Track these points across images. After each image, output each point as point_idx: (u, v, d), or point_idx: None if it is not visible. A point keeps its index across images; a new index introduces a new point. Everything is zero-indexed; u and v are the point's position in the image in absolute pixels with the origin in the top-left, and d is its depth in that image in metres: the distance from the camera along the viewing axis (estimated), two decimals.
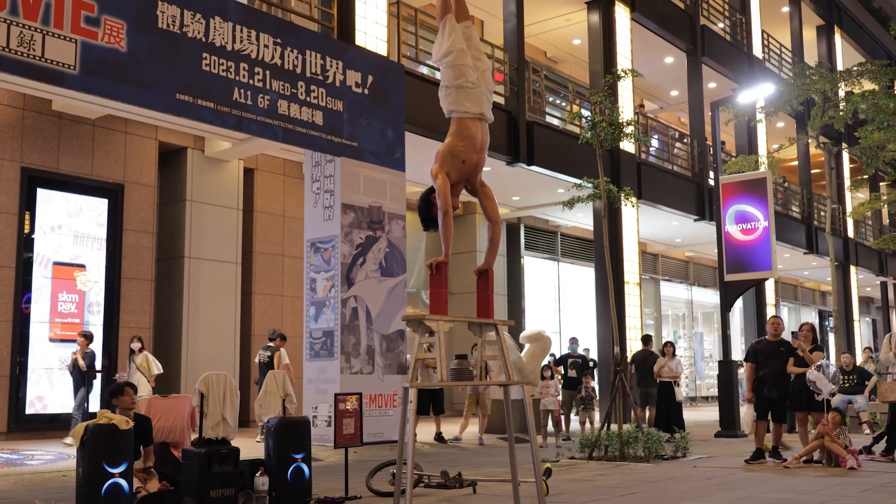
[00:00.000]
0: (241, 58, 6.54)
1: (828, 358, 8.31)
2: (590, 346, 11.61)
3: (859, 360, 14.22)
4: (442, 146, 3.40)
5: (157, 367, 7.62)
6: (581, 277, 15.06)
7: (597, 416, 9.02)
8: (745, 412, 8.40)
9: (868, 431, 8.27)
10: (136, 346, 7.62)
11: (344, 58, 7.39)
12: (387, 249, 7.52)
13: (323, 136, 7.21)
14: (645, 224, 13.20)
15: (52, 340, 8.03)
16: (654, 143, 13.42)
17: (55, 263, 8.18)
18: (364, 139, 7.53)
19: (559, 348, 12.33)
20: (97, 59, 5.52)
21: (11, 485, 4.96)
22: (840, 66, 18.01)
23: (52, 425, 7.91)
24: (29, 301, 7.87)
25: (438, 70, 3.59)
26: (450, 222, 3.29)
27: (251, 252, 10.10)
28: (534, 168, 10.31)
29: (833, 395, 5.94)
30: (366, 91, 7.58)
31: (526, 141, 10.13)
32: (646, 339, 9.39)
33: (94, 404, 7.72)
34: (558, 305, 14.62)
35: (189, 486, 4.00)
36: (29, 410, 7.84)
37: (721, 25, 14.97)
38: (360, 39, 7.95)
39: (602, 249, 9.58)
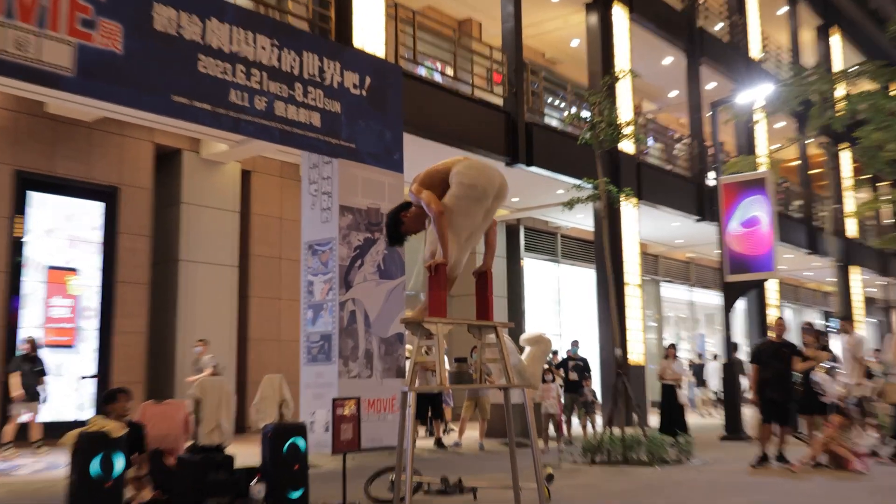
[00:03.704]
0: (238, 59, 6.50)
1: (833, 359, 8.24)
2: (591, 347, 11.56)
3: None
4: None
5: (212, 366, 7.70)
6: (581, 279, 15.00)
7: (598, 419, 8.95)
8: (749, 414, 8.34)
9: (876, 434, 8.21)
10: (199, 348, 7.73)
11: (341, 59, 7.36)
12: (385, 252, 7.47)
13: (320, 137, 7.16)
14: (645, 225, 13.14)
15: (45, 346, 7.95)
16: (650, 142, 13.38)
17: (49, 268, 8.11)
18: (362, 141, 7.48)
19: (560, 351, 12.30)
20: (94, 61, 5.48)
21: (1, 495, 4.88)
22: (839, 67, 18.02)
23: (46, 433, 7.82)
24: (18, 305, 7.79)
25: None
26: (445, 223, 3.28)
27: (248, 255, 10.05)
28: (533, 169, 10.27)
29: (843, 398, 5.87)
30: (364, 92, 7.54)
31: (525, 142, 10.10)
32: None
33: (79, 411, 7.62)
34: (559, 307, 14.57)
35: (183, 494, 3.93)
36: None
37: (719, 27, 14.96)
38: (358, 41, 7.92)
39: (602, 251, 9.53)
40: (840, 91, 12.57)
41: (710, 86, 14.71)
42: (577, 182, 8.36)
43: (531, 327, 13.19)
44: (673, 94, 15.46)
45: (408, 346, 7.74)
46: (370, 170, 7.49)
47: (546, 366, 8.90)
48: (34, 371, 6.95)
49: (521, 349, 9.57)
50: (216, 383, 4.14)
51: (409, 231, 3.52)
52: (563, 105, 11.92)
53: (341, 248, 7.15)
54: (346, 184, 7.29)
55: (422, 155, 9.56)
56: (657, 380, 9.18)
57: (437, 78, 10.06)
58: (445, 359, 9.03)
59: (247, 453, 5.00)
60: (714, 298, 18.00)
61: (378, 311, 7.30)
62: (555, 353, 10.90)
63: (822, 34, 18.63)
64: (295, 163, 10.21)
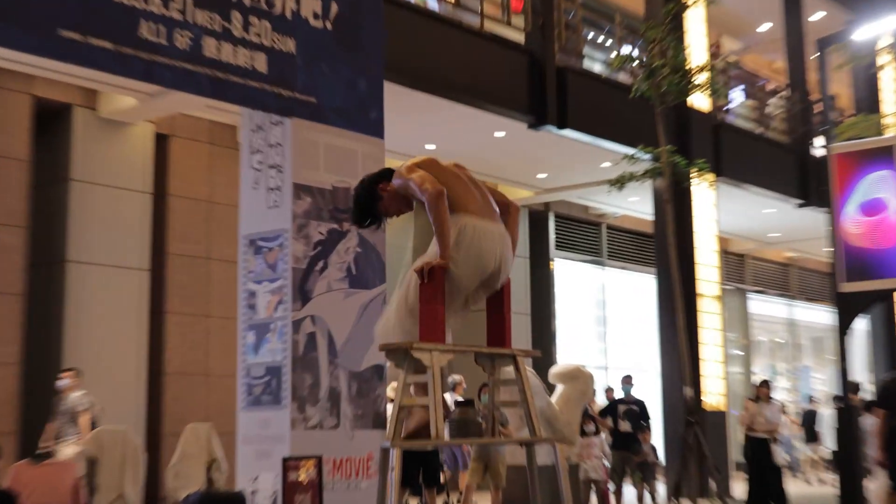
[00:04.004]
0: None
1: None
2: (650, 386, 11.58)
3: None
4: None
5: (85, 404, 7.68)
6: (636, 288, 15.02)
7: (660, 487, 8.98)
8: (875, 483, 8.36)
9: None
10: (66, 381, 7.71)
11: None
12: (358, 249, 7.47)
13: (267, 88, 7.15)
14: (727, 212, 13.15)
15: None
16: (738, 96, 13.40)
17: None
18: (325, 93, 7.47)
19: (606, 391, 12.28)
20: None
21: None
22: None
23: None
24: None
25: None
26: (445, 208, 3.34)
27: (163, 254, 10.06)
28: (567, 133, 10.31)
29: None
30: (328, 25, 7.52)
31: (556, 94, 10.12)
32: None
33: None
34: (604, 328, 14.62)
35: None
36: None
37: None
38: None
39: (665, 248, 9.55)
40: None
41: (816, 16, 14.70)
42: (630, 151, 8.37)
43: (565, 357, 13.22)
44: (764, 27, 15.44)
45: (391, 385, 7.74)
46: (337, 134, 7.47)
47: (586, 412, 8.93)
48: None
49: (551, 388, 9.56)
50: (117, 436, 4.15)
51: (388, 210, 3.58)
52: (609, 43, 11.91)
53: (295, 245, 7.15)
54: (304, 154, 7.29)
55: (410, 113, 9.57)
56: (743, 431, 9.19)
57: (433, 6, 10.07)
58: (450, 397, 9.09)
59: None
60: (824, 316, 18.05)
61: (347, 335, 7.29)
62: (609, 390, 10.94)
63: None
64: (231, 124, 10.16)
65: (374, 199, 3.55)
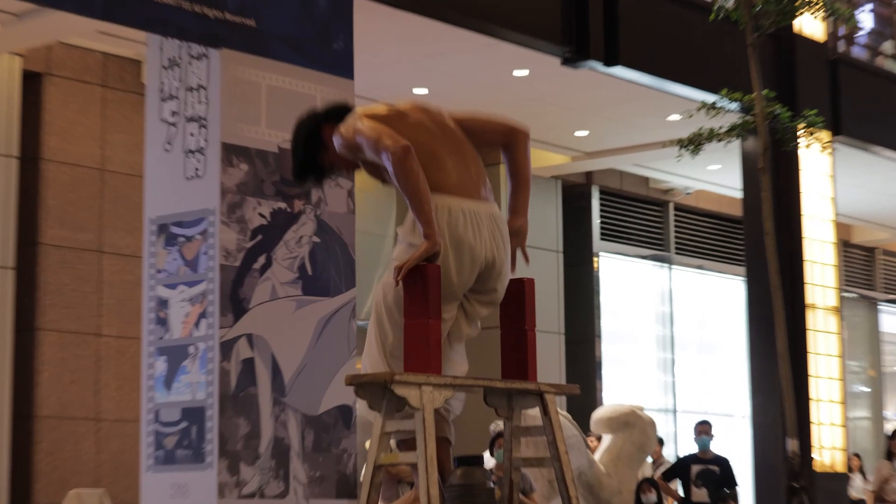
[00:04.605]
0: None
1: None
2: (737, 435, 11.58)
3: None
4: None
5: None
6: (716, 297, 15.01)
7: None
8: None
9: None
10: None
11: None
12: (316, 239, 7.49)
13: (185, 5, 7.18)
14: (849, 186, 13.13)
15: None
16: (866, 19, 13.36)
17: None
18: (269, 13, 7.49)
19: (674, 443, 12.35)
20: None
21: None
22: None
23: None
24: None
25: None
26: (416, 167, 3.31)
27: (34, 244, 10.07)
28: (617, 71, 10.34)
29: None
30: None
31: (602, 19, 10.13)
32: None
33: None
34: (671, 352, 14.63)
35: None
36: None
37: None
38: None
39: (760, 239, 9.53)
40: None
41: None
42: (709, 98, 8.39)
43: (613, 395, 13.24)
44: None
45: (365, 439, 7.77)
46: (286, 72, 7.49)
47: (646, 473, 8.99)
48: None
49: (595, 439, 9.56)
50: None
51: (334, 162, 3.63)
52: None
53: (226, 233, 7.16)
54: (237, 101, 7.29)
55: (392, 43, 9.58)
56: (871, 502, 9.22)
57: None
58: (489, 459, 9.11)
59: None
60: None
61: (300, 362, 7.33)
62: (661, 441, 10.95)
63: None
64: (132, 58, 10.17)
65: (315, 146, 3.59)
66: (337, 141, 3.50)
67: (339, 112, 3.61)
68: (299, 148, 3.64)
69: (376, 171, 3.52)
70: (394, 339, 3.46)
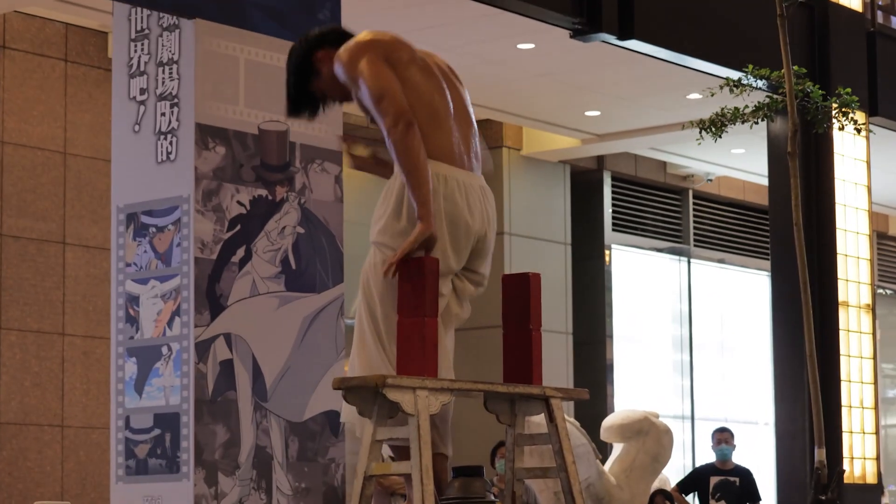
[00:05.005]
0: None
1: None
2: (761, 445, 11.59)
3: None
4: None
5: None
6: (739, 293, 15.02)
7: None
8: None
9: None
10: None
11: None
12: (300, 230, 7.48)
13: None
14: (886, 172, 13.21)
15: None
16: None
17: None
18: None
19: (691, 453, 12.39)
20: None
21: None
22: None
23: None
24: None
25: None
26: (417, 143, 3.32)
27: None
28: (633, 45, 10.35)
29: None
30: None
31: None
32: None
33: None
34: (688, 355, 14.65)
35: None
36: None
37: None
38: None
39: (787, 230, 9.52)
40: None
41: None
42: (734, 75, 8.35)
43: (625, 401, 13.24)
44: None
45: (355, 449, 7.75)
46: (267, 45, 7.47)
47: (661, 487, 8.98)
48: None
49: (606, 448, 9.56)
50: None
51: (327, 91, 3.63)
52: None
53: (201, 221, 7.13)
54: (213, 77, 7.27)
55: (384, 12, 9.54)
56: None
57: None
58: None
59: None
60: None
61: (284, 364, 7.32)
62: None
63: None
64: (98, 28, 10.16)
65: (306, 73, 3.60)
66: (337, 68, 3.49)
67: (335, 36, 3.61)
68: (291, 77, 3.66)
69: (365, 109, 3.51)
70: (383, 324, 3.47)
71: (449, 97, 3.56)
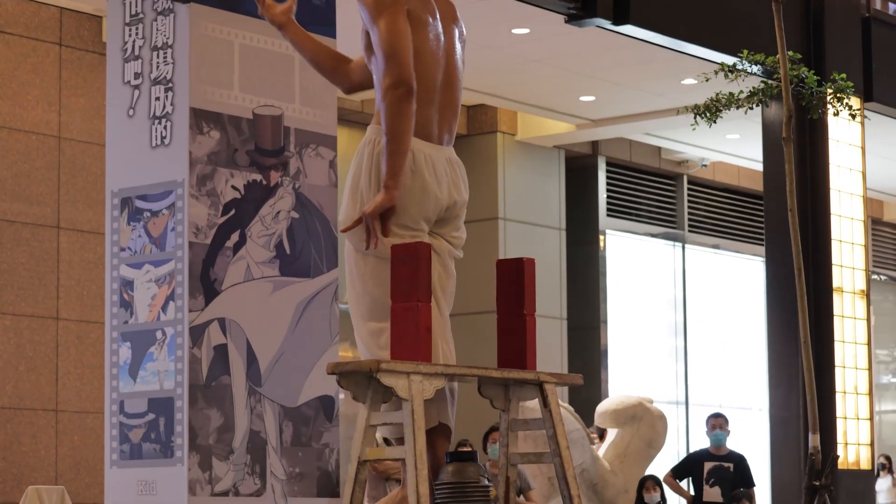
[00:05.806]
0: None
1: None
2: (754, 431, 11.60)
3: None
4: None
5: None
6: (733, 279, 15.03)
7: None
8: None
9: None
10: None
11: None
12: (294, 214, 7.47)
13: None
14: (882, 158, 13.23)
15: None
16: None
17: None
18: None
19: (685, 438, 12.42)
20: None
21: None
22: None
23: None
24: None
25: None
26: (410, 113, 3.31)
27: None
28: (628, 30, 10.35)
29: None
30: None
31: None
32: None
33: None
34: (682, 340, 14.67)
35: None
36: None
37: None
38: None
39: (782, 216, 9.51)
40: None
41: None
42: (728, 60, 8.35)
43: (620, 386, 13.26)
44: None
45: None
46: (261, 30, 7.46)
47: (652, 473, 9.02)
48: None
49: (600, 433, 9.59)
50: None
51: None
52: None
53: (195, 206, 7.13)
54: (208, 61, 7.26)
55: None
56: None
57: None
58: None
59: None
60: None
61: (278, 349, 7.32)
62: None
63: None
64: (92, 13, 10.15)
65: None
66: (360, 5, 3.48)
67: None
68: None
69: (368, 49, 3.49)
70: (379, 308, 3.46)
71: (443, 67, 3.57)
